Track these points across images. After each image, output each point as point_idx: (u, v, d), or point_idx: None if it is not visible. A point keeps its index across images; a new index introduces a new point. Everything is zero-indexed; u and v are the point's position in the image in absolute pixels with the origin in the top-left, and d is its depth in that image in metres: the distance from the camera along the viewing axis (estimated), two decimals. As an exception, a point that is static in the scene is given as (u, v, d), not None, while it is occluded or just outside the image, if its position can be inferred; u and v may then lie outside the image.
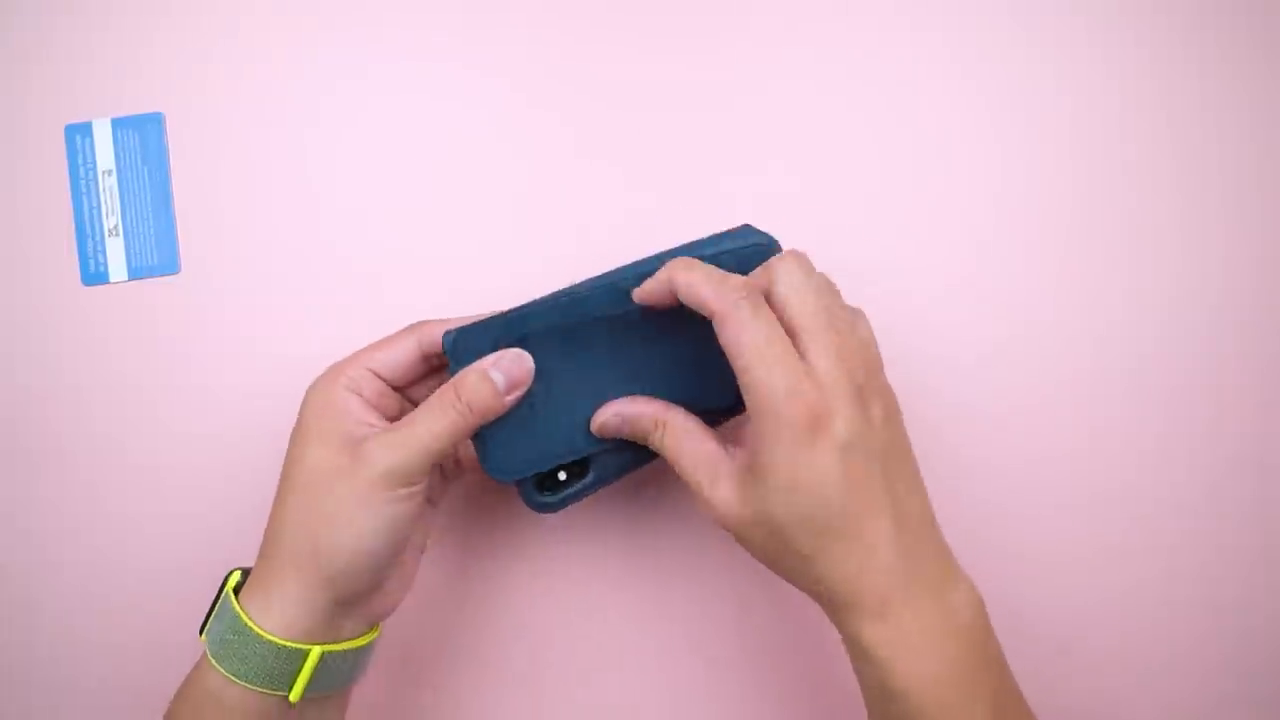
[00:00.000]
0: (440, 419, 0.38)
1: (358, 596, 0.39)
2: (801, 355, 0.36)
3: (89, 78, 0.52)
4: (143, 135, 0.52)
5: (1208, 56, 0.53)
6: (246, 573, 0.41)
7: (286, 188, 0.52)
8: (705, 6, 0.52)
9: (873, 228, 0.52)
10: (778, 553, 0.37)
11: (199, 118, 0.52)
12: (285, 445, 0.51)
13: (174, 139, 0.52)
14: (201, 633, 0.40)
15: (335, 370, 0.41)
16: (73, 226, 0.52)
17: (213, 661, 0.38)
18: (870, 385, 0.37)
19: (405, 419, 0.39)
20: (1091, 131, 0.52)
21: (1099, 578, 0.51)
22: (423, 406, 0.39)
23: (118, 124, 0.52)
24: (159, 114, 0.52)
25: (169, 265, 0.52)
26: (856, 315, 0.40)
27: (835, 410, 0.35)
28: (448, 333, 0.41)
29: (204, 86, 0.52)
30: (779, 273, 0.38)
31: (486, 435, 0.41)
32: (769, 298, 0.37)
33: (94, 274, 0.52)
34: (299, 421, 0.41)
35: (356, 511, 0.37)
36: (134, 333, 0.51)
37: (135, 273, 0.52)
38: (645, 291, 0.39)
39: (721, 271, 0.38)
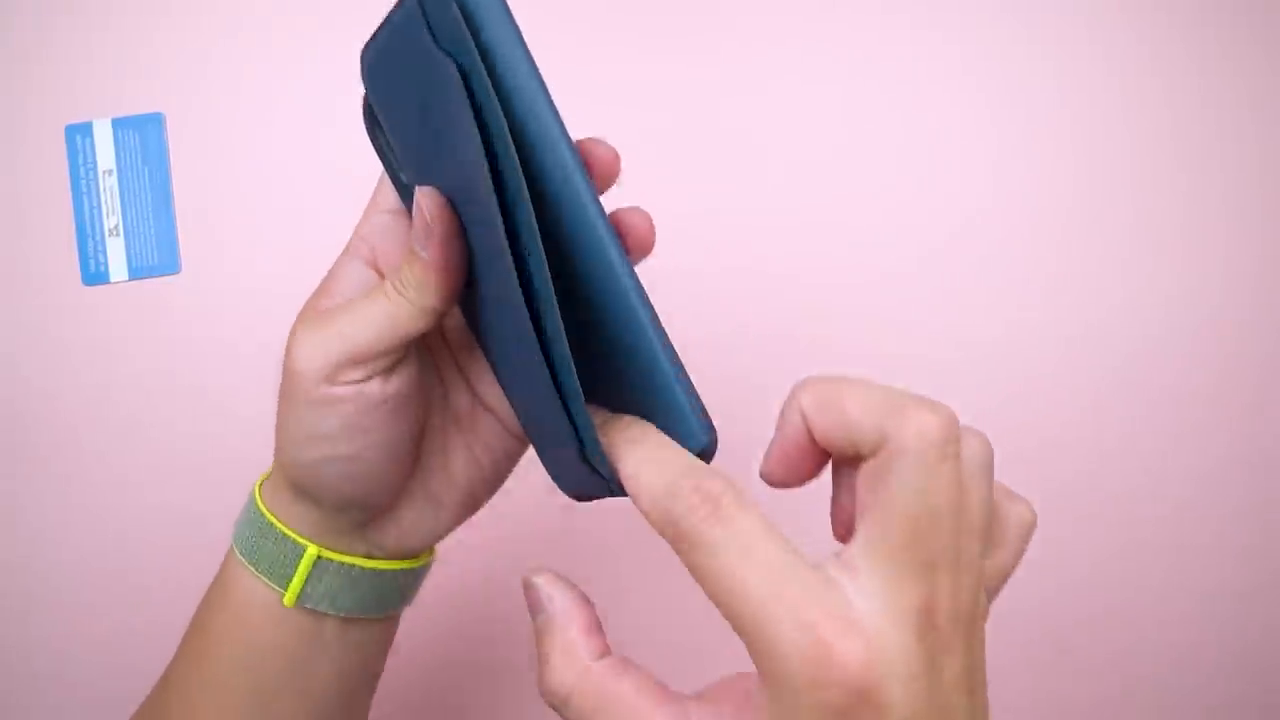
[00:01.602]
0: (371, 305, 0.31)
1: (346, 511, 0.34)
2: (850, 575, 0.22)
3: (89, 78, 0.52)
4: (143, 135, 0.52)
5: (1208, 54, 0.52)
6: None
7: (286, 188, 0.52)
8: (705, 6, 0.52)
9: (872, 226, 0.52)
10: None
11: (199, 118, 0.52)
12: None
13: (174, 139, 0.52)
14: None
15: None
16: (73, 226, 0.52)
17: (234, 546, 0.35)
18: (958, 633, 0.23)
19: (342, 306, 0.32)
20: (1091, 130, 0.52)
21: (1099, 578, 0.51)
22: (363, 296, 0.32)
23: (118, 124, 0.52)
24: (159, 114, 0.52)
25: (169, 265, 0.52)
26: (1015, 502, 0.26)
27: (891, 676, 0.21)
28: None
29: (204, 86, 0.52)
30: (908, 457, 0.23)
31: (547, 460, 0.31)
32: (875, 479, 0.23)
33: (94, 274, 0.52)
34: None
35: (288, 412, 0.32)
36: (134, 332, 0.51)
37: (136, 272, 0.52)
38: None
39: (675, 454, 0.25)
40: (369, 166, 0.52)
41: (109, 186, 0.52)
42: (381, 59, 0.30)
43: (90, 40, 0.52)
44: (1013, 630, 0.51)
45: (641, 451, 0.25)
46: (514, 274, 0.25)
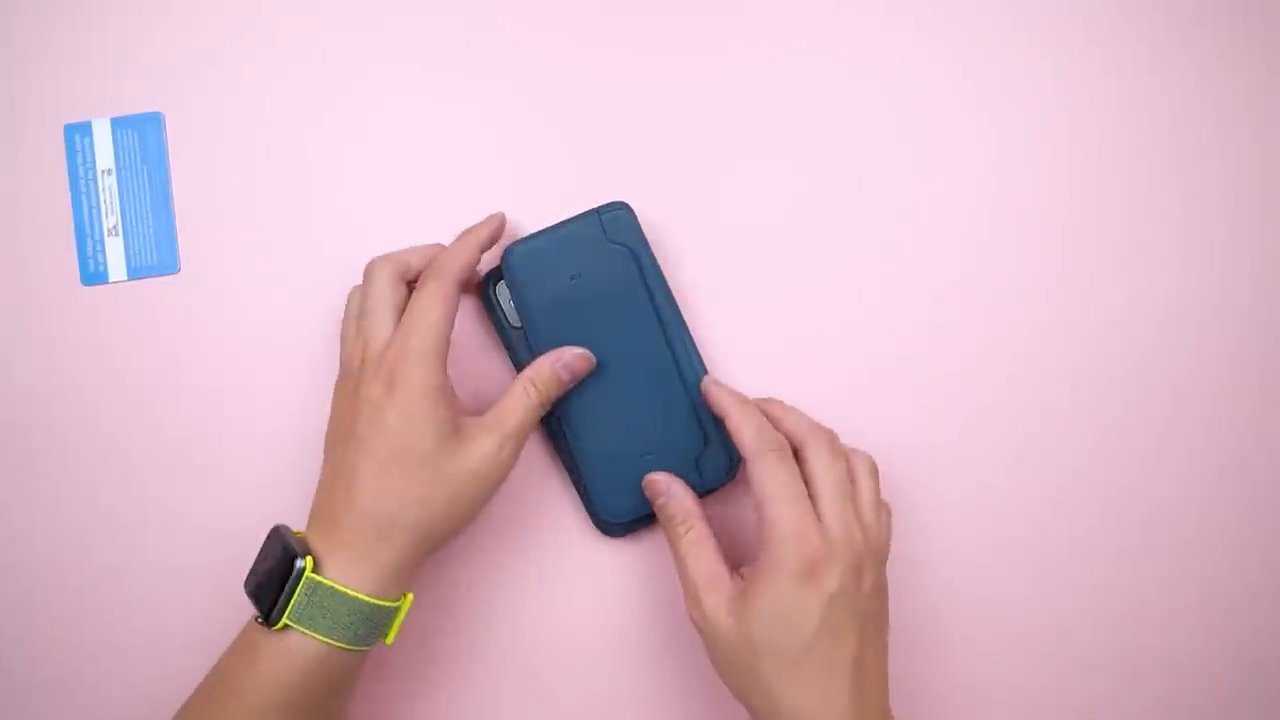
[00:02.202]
0: (526, 412, 0.44)
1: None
2: (819, 516, 0.42)
3: (89, 78, 0.52)
4: (142, 135, 0.52)
5: (1207, 55, 0.53)
6: (291, 538, 0.42)
7: (286, 188, 0.52)
8: (709, 6, 0.52)
9: (873, 227, 0.52)
10: (742, 671, 0.42)
11: (199, 118, 0.52)
12: (284, 446, 0.51)
13: (174, 139, 0.52)
14: (271, 610, 0.41)
15: (436, 343, 0.43)
16: (72, 226, 0.52)
17: (306, 630, 0.40)
18: (869, 563, 0.43)
19: (496, 413, 0.44)
20: (1090, 130, 0.52)
21: (1099, 578, 0.51)
22: (509, 401, 0.44)
23: (117, 124, 0.52)
24: (159, 114, 0.52)
25: (169, 265, 0.52)
26: (881, 509, 0.45)
27: (833, 565, 0.41)
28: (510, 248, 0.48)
29: (204, 86, 0.52)
30: (810, 441, 0.44)
31: (593, 491, 0.48)
32: (798, 456, 0.44)
33: (93, 274, 0.52)
34: (406, 390, 0.42)
35: (471, 497, 0.43)
36: (134, 332, 0.51)
37: (135, 272, 0.52)
38: (710, 402, 0.47)
39: (762, 418, 0.45)
40: (365, 167, 0.52)
41: (108, 186, 0.52)
42: (535, 252, 0.48)
43: (90, 40, 0.52)
44: (1013, 630, 0.51)
45: (745, 414, 0.45)
46: (668, 350, 0.48)
